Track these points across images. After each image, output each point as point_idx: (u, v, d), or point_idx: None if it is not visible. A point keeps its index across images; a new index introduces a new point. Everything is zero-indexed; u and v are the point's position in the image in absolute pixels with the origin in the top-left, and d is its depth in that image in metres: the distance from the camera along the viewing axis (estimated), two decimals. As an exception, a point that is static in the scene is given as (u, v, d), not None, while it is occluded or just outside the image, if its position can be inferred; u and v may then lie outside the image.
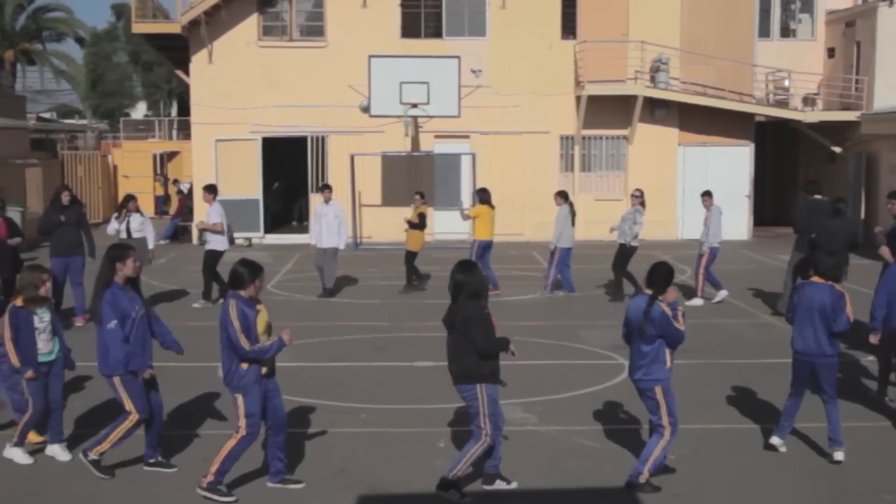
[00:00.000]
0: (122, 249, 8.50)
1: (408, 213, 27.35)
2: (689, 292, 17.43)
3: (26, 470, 8.74)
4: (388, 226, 27.10)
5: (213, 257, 17.26)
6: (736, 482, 8.48)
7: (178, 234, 28.66)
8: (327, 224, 17.96)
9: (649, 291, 8.13)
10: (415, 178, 27.55)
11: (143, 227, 16.54)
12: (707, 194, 17.69)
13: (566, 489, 8.30)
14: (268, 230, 28.10)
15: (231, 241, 17.67)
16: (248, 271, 7.88)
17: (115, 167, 36.44)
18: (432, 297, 18.02)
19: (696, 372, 12.31)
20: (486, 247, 17.91)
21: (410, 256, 18.64)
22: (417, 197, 18.99)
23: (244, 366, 7.76)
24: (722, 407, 10.75)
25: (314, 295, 18.27)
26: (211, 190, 17.63)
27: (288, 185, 30.76)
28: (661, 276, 8.12)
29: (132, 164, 36.51)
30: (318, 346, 14.05)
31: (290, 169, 29.72)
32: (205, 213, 18.00)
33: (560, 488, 8.32)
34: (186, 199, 29.47)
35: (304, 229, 28.17)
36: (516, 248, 24.03)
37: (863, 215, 26.82)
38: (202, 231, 17.92)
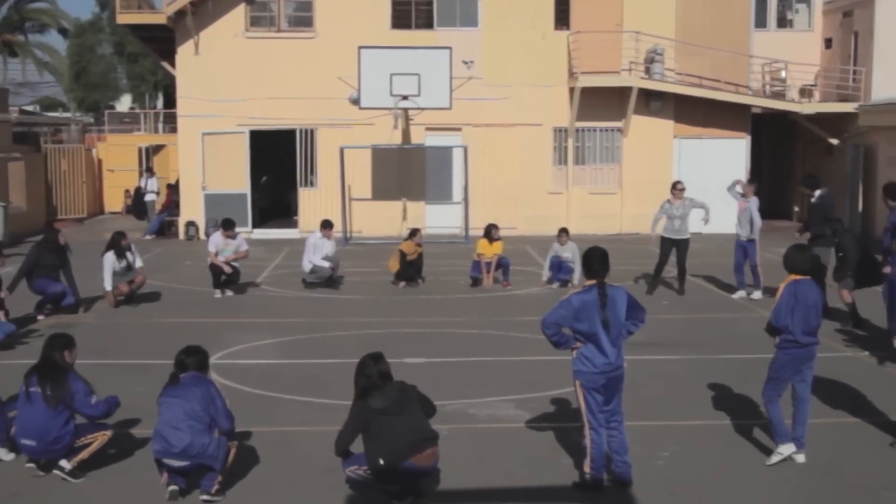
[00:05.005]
0: None
1: (398, 207, 27.10)
2: (729, 289, 17.59)
3: (9, 470, 8.50)
4: (378, 220, 26.75)
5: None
6: (733, 479, 8.27)
7: (165, 229, 28.15)
8: (325, 255, 17.95)
9: (592, 282, 7.89)
10: (406, 172, 27.18)
11: (135, 258, 16.66)
12: (752, 181, 17.58)
13: (560, 486, 8.08)
14: (256, 225, 27.61)
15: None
16: None
17: (100, 161, 35.89)
18: (424, 293, 17.76)
19: (692, 367, 12.16)
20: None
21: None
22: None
23: None
24: (718, 403, 10.50)
25: (306, 288, 17.99)
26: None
27: (276, 179, 30.27)
28: (603, 261, 7.96)
29: (117, 157, 35.93)
30: (308, 343, 13.76)
31: (278, 162, 29.23)
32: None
33: (554, 485, 8.12)
34: (173, 193, 28.93)
35: (292, 224, 27.76)
36: (510, 243, 23.50)
37: (860, 208, 26.49)
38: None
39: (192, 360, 8.00)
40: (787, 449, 8.40)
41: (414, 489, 7.53)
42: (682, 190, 17.56)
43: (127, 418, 9.51)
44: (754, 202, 17.08)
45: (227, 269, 17.29)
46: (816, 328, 8.45)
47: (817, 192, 15.59)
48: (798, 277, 8.44)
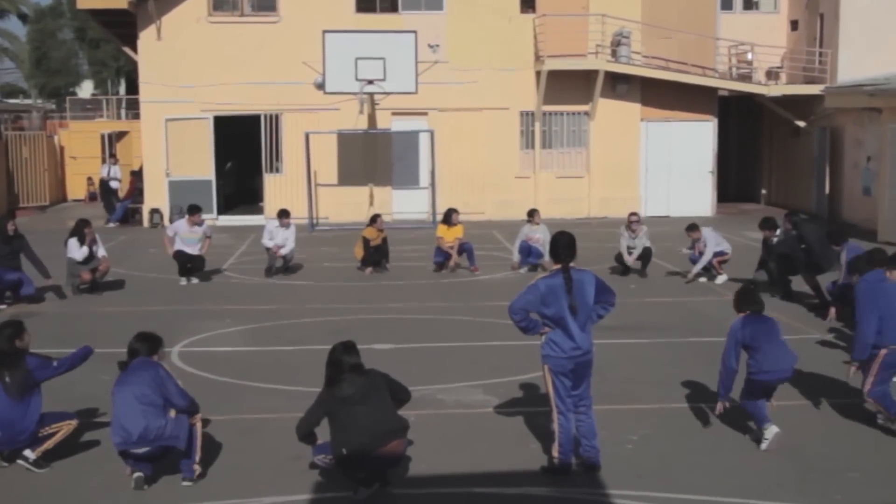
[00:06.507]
0: None
1: (364, 193, 26.90)
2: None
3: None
4: (344, 206, 26.54)
5: None
6: (701, 462, 8.26)
7: (129, 216, 27.81)
8: (282, 239, 17.83)
9: (558, 266, 7.81)
10: (372, 157, 26.99)
11: (98, 246, 16.45)
12: (692, 227, 16.95)
13: (528, 471, 8.04)
14: (221, 211, 27.33)
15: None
16: None
17: (62, 148, 35.39)
18: (391, 279, 17.65)
19: (659, 350, 12.16)
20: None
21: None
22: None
23: None
24: (686, 386, 10.48)
25: (268, 276, 17.83)
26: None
27: (241, 165, 29.96)
28: (569, 246, 7.87)
29: (79, 144, 35.43)
30: (274, 330, 13.62)
31: (243, 148, 28.89)
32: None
33: (522, 470, 8.07)
34: (137, 180, 28.57)
35: (258, 210, 27.51)
36: (478, 228, 23.52)
37: (827, 190, 26.61)
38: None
39: (143, 347, 7.96)
40: (771, 431, 8.35)
41: (380, 476, 7.46)
42: (638, 221, 17.53)
43: (91, 407, 9.43)
44: (709, 234, 16.87)
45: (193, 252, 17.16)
46: (789, 365, 8.53)
47: (778, 230, 15.64)
48: (747, 314, 8.55)
